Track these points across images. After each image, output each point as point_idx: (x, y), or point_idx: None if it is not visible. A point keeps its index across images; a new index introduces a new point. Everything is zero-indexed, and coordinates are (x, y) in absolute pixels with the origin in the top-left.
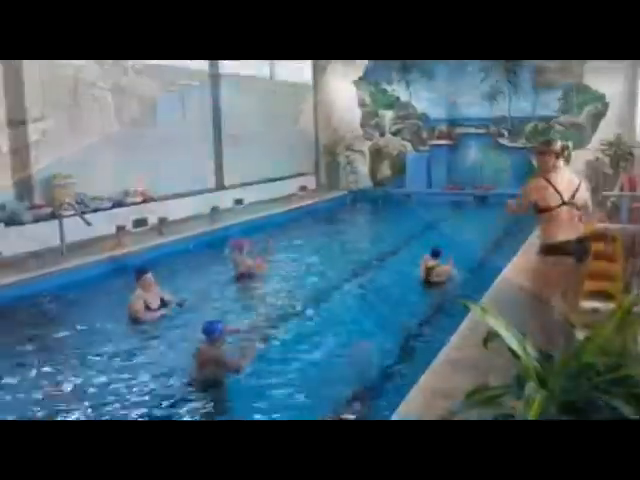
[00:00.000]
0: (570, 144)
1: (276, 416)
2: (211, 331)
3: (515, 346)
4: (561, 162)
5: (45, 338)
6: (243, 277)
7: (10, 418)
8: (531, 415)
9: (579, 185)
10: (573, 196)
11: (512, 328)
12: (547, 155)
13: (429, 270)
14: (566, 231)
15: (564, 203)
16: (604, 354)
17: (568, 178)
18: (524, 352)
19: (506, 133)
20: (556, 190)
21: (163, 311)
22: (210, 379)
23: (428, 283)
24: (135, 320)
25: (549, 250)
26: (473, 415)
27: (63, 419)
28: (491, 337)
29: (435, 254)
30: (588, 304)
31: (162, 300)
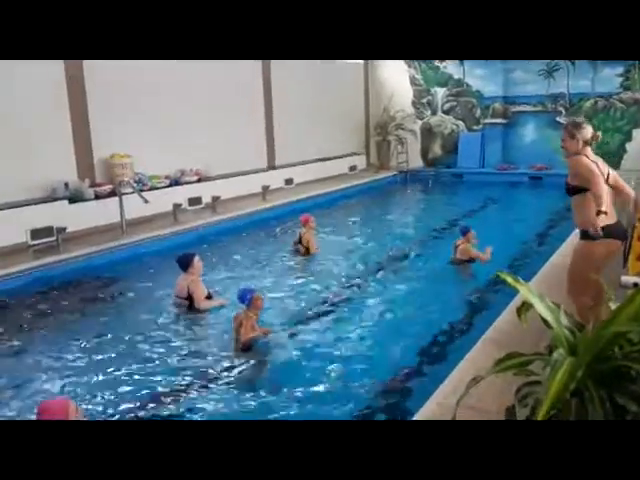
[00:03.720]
0: (600, 133)
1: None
2: (242, 297)
3: (547, 315)
4: (588, 149)
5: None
6: (299, 253)
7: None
8: (556, 380)
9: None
10: (607, 178)
11: (545, 298)
12: (575, 139)
13: (455, 248)
14: (609, 214)
15: (606, 182)
16: (637, 324)
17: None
18: (556, 321)
19: (563, 111)
20: (599, 169)
21: (222, 300)
22: (247, 341)
23: (457, 261)
24: (190, 306)
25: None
26: (499, 380)
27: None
28: (525, 308)
29: (463, 232)
30: (628, 279)
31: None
